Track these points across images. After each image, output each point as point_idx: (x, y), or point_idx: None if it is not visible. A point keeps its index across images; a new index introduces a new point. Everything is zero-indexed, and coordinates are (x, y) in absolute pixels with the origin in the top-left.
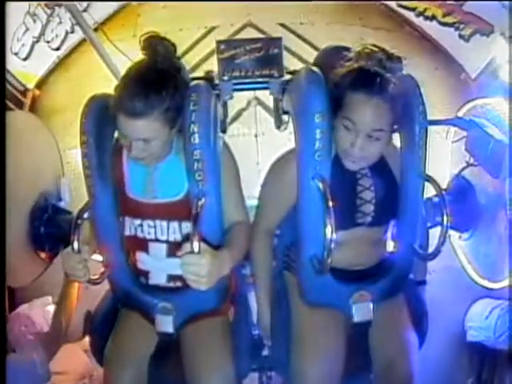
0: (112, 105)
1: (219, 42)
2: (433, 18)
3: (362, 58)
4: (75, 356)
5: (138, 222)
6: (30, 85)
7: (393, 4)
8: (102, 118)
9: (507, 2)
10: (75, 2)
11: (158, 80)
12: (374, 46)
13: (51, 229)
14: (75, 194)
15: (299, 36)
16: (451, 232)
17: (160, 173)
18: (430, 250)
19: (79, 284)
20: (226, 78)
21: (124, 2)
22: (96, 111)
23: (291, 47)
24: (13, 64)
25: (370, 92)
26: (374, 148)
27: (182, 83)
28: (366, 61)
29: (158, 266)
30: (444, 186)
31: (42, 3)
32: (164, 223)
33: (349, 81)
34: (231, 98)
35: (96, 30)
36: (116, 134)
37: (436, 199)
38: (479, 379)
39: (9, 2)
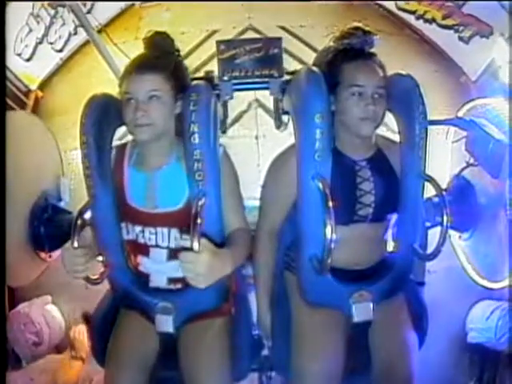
0: (120, 77)
1: (219, 42)
2: (432, 20)
3: (346, 38)
4: (62, 367)
5: (138, 228)
6: (33, 86)
7: (392, 7)
8: (102, 117)
9: (506, 3)
10: (79, 3)
11: (163, 51)
12: (351, 27)
13: (51, 229)
14: (75, 195)
15: (299, 38)
16: (451, 232)
17: (161, 180)
18: (430, 250)
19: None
20: (225, 78)
21: (127, 5)
22: (96, 111)
23: (291, 50)
24: (16, 65)
25: (363, 58)
26: (381, 107)
27: (184, 67)
28: (349, 39)
29: (158, 269)
30: (444, 186)
31: (46, 4)
32: (165, 230)
33: (342, 56)
34: (231, 97)
35: (99, 32)
36: (115, 140)
37: (436, 199)
38: (480, 381)
39: (12, 3)
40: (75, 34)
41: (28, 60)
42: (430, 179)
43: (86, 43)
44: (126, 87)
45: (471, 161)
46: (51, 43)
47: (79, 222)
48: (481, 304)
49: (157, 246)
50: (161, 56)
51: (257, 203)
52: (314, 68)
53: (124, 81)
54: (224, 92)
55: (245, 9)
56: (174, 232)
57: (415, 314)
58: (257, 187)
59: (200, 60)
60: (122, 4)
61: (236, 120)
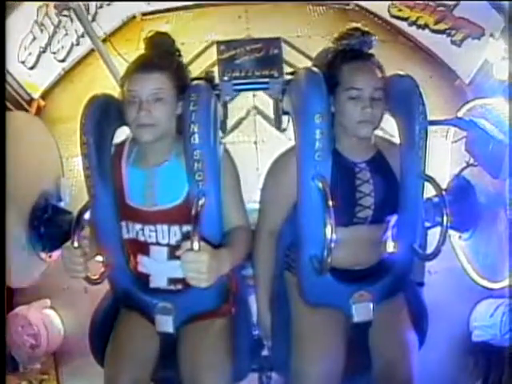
0: (123, 76)
1: (219, 43)
2: (425, 26)
3: (344, 39)
4: None
5: (138, 226)
6: (35, 95)
7: (386, 15)
8: (102, 118)
9: (504, 3)
10: (83, 8)
11: (164, 51)
12: (350, 28)
13: (51, 229)
14: (76, 201)
15: (296, 49)
16: (451, 232)
17: (159, 177)
18: (430, 250)
19: None
20: (226, 78)
21: (128, 17)
22: (97, 111)
23: (289, 60)
24: (19, 73)
25: (362, 60)
26: (379, 110)
27: (185, 68)
28: (348, 40)
29: (158, 268)
30: (444, 186)
31: (50, 12)
32: (165, 227)
33: (341, 57)
34: (232, 98)
35: (103, 41)
36: (115, 140)
37: (436, 199)
38: (486, 381)
39: (16, 10)
40: (77, 44)
41: (31, 68)
42: (430, 179)
43: (88, 54)
44: (130, 86)
45: (471, 161)
46: (54, 53)
47: (79, 222)
48: (484, 302)
49: (157, 243)
50: (163, 55)
51: (256, 206)
52: (314, 68)
53: (127, 80)
54: (224, 92)
55: (243, 20)
56: (174, 229)
57: (415, 315)
58: (256, 190)
59: (200, 70)
60: (124, 16)
61: (235, 126)
